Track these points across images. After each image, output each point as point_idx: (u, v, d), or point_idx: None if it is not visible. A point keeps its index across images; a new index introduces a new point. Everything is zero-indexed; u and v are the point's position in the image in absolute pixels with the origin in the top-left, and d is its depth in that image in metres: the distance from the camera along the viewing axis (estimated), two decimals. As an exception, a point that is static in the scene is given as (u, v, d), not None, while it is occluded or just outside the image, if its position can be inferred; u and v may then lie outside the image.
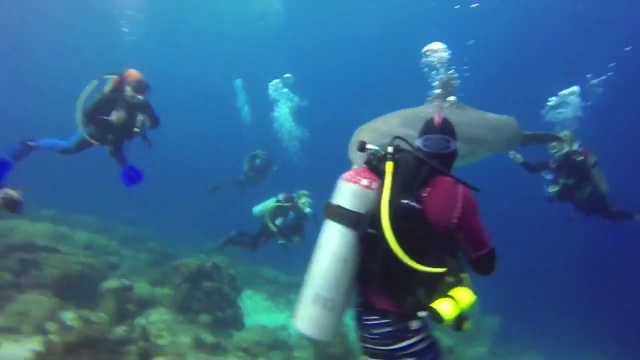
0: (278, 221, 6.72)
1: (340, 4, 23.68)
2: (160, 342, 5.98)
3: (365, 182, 2.05)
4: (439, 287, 1.93)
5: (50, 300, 6.05)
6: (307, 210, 6.67)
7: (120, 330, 5.28)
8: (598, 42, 17.28)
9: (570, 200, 6.40)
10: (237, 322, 7.71)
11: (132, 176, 5.61)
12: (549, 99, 6.69)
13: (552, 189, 6.29)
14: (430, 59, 4.28)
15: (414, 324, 2.01)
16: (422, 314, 1.96)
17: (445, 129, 2.18)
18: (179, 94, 23.15)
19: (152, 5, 16.64)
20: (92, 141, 5.46)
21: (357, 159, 3.11)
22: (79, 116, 5.25)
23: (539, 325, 11.18)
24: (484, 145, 4.38)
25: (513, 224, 15.39)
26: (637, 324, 11.29)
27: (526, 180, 7.73)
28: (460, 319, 1.89)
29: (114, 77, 5.35)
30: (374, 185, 2.06)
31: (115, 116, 5.26)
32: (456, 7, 15.01)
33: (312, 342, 6.47)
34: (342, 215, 2.02)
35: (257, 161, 10.22)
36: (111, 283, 6.32)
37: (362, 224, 2.00)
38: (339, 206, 2.04)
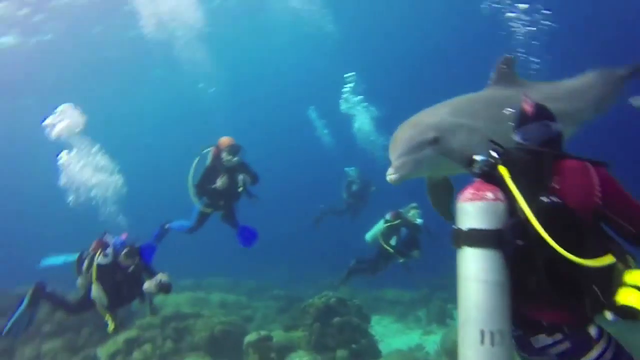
0: (392, 241, 6.64)
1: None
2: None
3: (490, 195, 1.85)
4: (612, 278, 1.72)
5: (206, 361, 6.78)
6: (419, 221, 6.52)
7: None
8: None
9: None
10: (373, 350, 7.73)
11: (248, 236, 6.12)
12: None
13: None
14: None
15: (593, 330, 1.80)
16: (608, 314, 1.71)
17: (540, 113, 2.03)
18: (263, 140, 24.16)
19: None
20: (208, 210, 6.10)
21: (400, 164, 2.84)
22: (191, 191, 5.95)
23: None
24: (578, 115, 3.95)
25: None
26: None
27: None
28: None
29: (212, 149, 5.97)
30: (500, 195, 1.86)
31: (219, 182, 5.77)
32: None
33: None
34: (481, 238, 1.81)
35: (354, 187, 10.11)
36: (251, 337, 6.84)
37: (507, 240, 1.79)
38: (473, 229, 1.83)
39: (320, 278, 11.35)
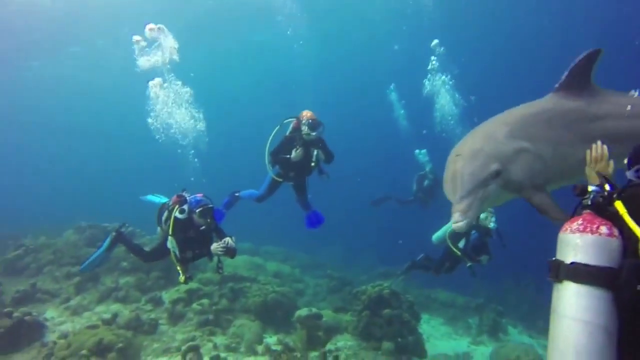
0: (461, 243, 6.36)
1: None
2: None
3: (604, 229, 1.71)
4: None
5: (255, 325, 7.07)
6: (492, 225, 6.19)
7: (313, 357, 5.80)
8: None
9: None
10: (418, 349, 7.61)
11: (314, 221, 6.18)
12: None
13: None
14: None
15: None
16: None
17: None
18: (342, 114, 23.86)
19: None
20: (279, 179, 6.21)
21: (466, 207, 2.69)
22: (267, 158, 6.09)
23: None
24: None
25: None
26: None
27: None
28: None
29: (293, 120, 6.04)
30: (615, 232, 1.72)
31: (294, 153, 5.82)
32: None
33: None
34: (590, 275, 1.66)
35: (426, 182, 9.87)
36: (302, 312, 7.01)
37: (626, 282, 1.62)
38: (579, 264, 1.69)
39: (374, 266, 11.30)
